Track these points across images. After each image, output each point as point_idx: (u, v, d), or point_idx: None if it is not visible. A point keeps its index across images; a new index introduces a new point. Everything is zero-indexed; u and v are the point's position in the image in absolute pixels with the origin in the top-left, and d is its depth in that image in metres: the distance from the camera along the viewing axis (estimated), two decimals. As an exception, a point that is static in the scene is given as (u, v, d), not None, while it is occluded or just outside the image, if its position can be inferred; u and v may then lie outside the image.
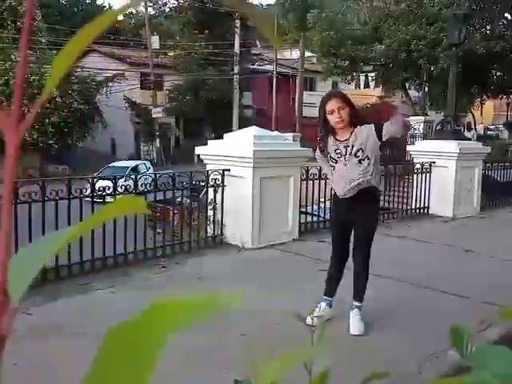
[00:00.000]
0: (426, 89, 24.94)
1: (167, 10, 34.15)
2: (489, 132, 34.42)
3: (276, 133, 7.72)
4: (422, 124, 20.60)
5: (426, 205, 8.48)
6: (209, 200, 6.19)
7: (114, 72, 25.67)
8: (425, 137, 18.09)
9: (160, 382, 0.61)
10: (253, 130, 6.23)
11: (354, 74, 24.86)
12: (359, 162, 3.54)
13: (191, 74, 27.65)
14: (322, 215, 7.24)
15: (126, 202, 0.37)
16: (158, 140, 27.24)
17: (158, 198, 5.86)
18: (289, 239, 6.27)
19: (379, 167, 3.73)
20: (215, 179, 6.06)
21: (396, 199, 8.75)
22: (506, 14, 21.26)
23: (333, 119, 3.54)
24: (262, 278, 4.85)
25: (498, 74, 22.18)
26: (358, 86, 34.36)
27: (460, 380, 0.51)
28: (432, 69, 19.45)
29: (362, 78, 33.37)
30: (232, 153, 6.01)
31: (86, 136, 24.70)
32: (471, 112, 27.55)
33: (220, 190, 6.11)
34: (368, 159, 3.54)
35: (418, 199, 8.45)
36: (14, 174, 0.35)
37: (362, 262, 3.71)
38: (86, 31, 0.35)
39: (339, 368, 2.90)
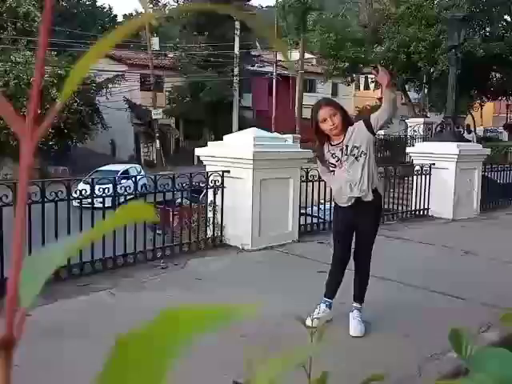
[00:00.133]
0: (426, 91, 25.00)
1: (167, 11, 34.18)
2: (488, 134, 34.42)
3: (276, 134, 7.72)
4: (422, 126, 20.62)
5: (426, 206, 8.48)
6: (209, 201, 6.19)
7: (114, 73, 25.70)
8: (425, 138, 18.11)
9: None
10: (252, 132, 6.23)
11: (354, 75, 24.89)
12: (356, 159, 3.55)
13: (191, 76, 27.68)
14: (322, 216, 7.24)
15: (135, 208, 0.37)
16: (157, 141, 27.23)
17: (157, 200, 5.86)
18: (288, 240, 6.27)
19: (375, 164, 3.73)
20: (215, 180, 6.06)
21: (396, 201, 8.75)
22: (506, 16, 21.27)
23: (326, 127, 3.56)
24: (261, 279, 4.85)
25: (498, 75, 22.19)
26: (357, 87, 34.41)
27: (459, 382, 0.51)
28: (432, 71, 19.46)
29: (362, 79, 33.42)
30: (232, 154, 6.01)
31: (86, 137, 24.71)
32: (471, 114, 27.57)
33: (220, 191, 6.11)
34: (364, 154, 3.55)
35: (418, 201, 8.45)
36: (29, 179, 0.36)
37: (363, 265, 3.71)
38: (102, 43, 0.36)
39: (339, 369, 2.91)
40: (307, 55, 30.64)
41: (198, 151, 6.62)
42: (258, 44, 32.87)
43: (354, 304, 3.73)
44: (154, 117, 26.92)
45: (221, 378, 2.75)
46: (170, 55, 30.43)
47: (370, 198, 3.60)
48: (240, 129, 16.16)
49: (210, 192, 6.15)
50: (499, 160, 13.72)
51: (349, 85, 26.70)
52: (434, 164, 8.40)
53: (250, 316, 0.34)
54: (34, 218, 4.29)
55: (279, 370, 0.38)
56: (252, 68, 31.20)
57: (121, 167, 18.79)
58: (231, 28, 27.71)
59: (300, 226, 6.67)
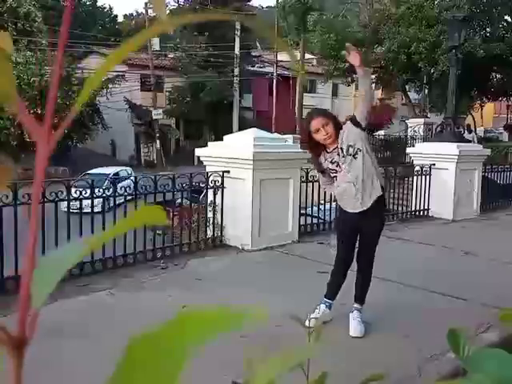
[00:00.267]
0: (426, 91, 25.00)
1: (167, 11, 34.20)
2: (488, 134, 34.44)
3: (276, 135, 7.72)
4: (422, 126, 20.63)
5: (426, 207, 8.48)
6: (209, 201, 6.19)
7: (115, 73, 25.70)
8: (425, 139, 18.11)
9: None
10: (253, 132, 6.24)
11: (355, 75, 24.87)
12: (354, 157, 3.56)
13: (191, 76, 27.68)
14: (322, 217, 7.24)
15: (146, 212, 0.38)
16: (158, 141, 27.24)
17: (157, 200, 5.86)
18: (288, 241, 6.27)
19: (375, 161, 3.73)
20: (215, 181, 6.06)
21: (396, 201, 8.75)
22: (506, 17, 21.27)
23: (320, 137, 3.58)
24: (261, 279, 4.85)
25: (498, 76, 22.20)
26: (358, 88, 34.38)
27: (458, 382, 0.51)
28: (432, 71, 19.46)
29: (362, 80, 33.36)
30: (232, 154, 6.01)
31: (86, 137, 24.71)
32: (471, 114, 27.58)
33: (220, 191, 6.11)
34: (360, 151, 3.56)
35: (418, 201, 8.45)
36: (43, 182, 0.37)
37: (366, 266, 3.71)
38: (118, 52, 0.37)
39: (339, 369, 2.90)
40: (307, 56, 30.66)
41: (198, 151, 6.62)
42: (258, 44, 32.90)
43: (355, 305, 3.73)
44: (154, 117, 26.93)
45: (220, 378, 2.75)
46: (171, 55, 30.45)
47: (377, 192, 3.60)
48: (240, 129, 16.18)
49: (210, 192, 6.15)
50: (499, 161, 13.72)
51: (349, 85, 26.68)
52: (434, 164, 8.40)
53: (262, 318, 0.34)
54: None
55: (278, 371, 0.38)
56: (252, 68, 31.22)
57: (111, 170, 18.22)
58: (231, 28, 27.74)
59: (300, 226, 6.66)
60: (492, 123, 40.68)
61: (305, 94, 30.25)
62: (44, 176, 0.37)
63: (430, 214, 8.46)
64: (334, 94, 35.11)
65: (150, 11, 29.74)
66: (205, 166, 6.43)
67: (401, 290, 4.58)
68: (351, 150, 3.55)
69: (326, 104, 33.15)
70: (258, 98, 31.70)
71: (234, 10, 28.77)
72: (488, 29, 20.94)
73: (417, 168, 8.44)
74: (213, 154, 6.32)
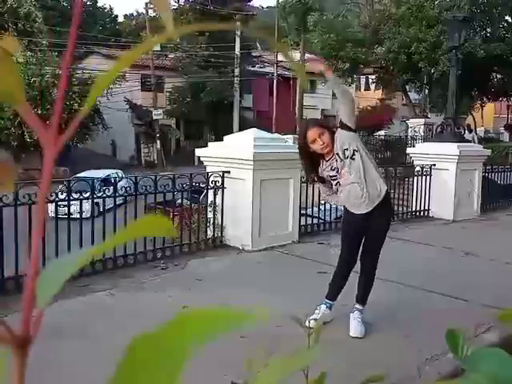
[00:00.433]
0: (427, 91, 24.99)
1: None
2: (489, 134, 34.43)
3: (276, 135, 7.73)
4: (423, 126, 20.63)
5: (426, 207, 8.48)
6: (209, 202, 6.19)
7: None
8: (425, 139, 18.11)
9: None
10: (253, 132, 6.24)
11: (355, 76, 24.91)
12: (352, 159, 3.58)
13: (192, 76, 27.69)
14: (322, 217, 7.24)
15: (153, 222, 0.38)
16: (158, 142, 27.25)
17: (157, 200, 5.86)
18: (289, 241, 6.26)
19: (373, 160, 3.75)
20: (215, 181, 6.06)
21: (396, 202, 8.75)
22: (507, 17, 21.28)
23: (317, 147, 3.60)
24: (261, 279, 4.85)
25: (499, 76, 22.20)
26: (358, 88, 34.41)
27: (454, 382, 0.51)
28: (432, 71, 19.46)
29: (363, 80, 33.43)
30: (232, 155, 6.01)
31: (87, 138, 24.71)
32: (472, 114, 27.57)
33: (220, 191, 6.11)
34: (357, 151, 3.58)
35: (418, 202, 8.45)
36: (50, 184, 0.37)
37: (370, 267, 3.71)
38: (125, 57, 0.37)
39: (339, 369, 2.90)
40: (308, 56, 30.64)
41: (198, 152, 6.62)
42: (258, 45, 32.89)
43: (356, 305, 3.72)
44: (154, 117, 26.94)
45: (220, 378, 2.75)
46: (171, 56, 30.45)
47: (382, 192, 3.61)
48: (241, 129, 16.19)
49: (211, 192, 6.15)
50: (500, 161, 13.72)
51: (349, 85, 26.68)
52: (434, 165, 8.40)
53: (263, 318, 0.34)
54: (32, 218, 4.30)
55: (279, 376, 0.38)
56: (253, 68, 31.22)
57: (101, 173, 17.52)
58: (234, 26, 27.71)
59: (300, 226, 6.66)
60: (492, 123, 40.66)
61: (305, 94, 30.25)
62: (51, 177, 0.37)
63: (431, 215, 8.46)
64: (335, 94, 35.06)
65: (150, 11, 29.76)
66: (205, 166, 6.43)
67: (401, 291, 4.58)
68: (347, 152, 3.57)
69: (327, 104, 33.15)
70: (259, 98, 31.70)
71: (235, 10, 28.79)
72: (488, 29, 20.95)
73: (417, 168, 8.44)
74: (213, 154, 6.32)
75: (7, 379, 0.35)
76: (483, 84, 21.23)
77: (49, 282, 0.36)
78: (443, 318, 3.68)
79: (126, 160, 28.18)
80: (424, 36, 18.88)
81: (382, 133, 24.13)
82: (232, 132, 15.03)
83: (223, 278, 4.92)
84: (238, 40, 27.67)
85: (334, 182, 3.70)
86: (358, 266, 3.80)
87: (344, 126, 3.59)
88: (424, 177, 8.38)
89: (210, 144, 6.69)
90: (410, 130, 21.60)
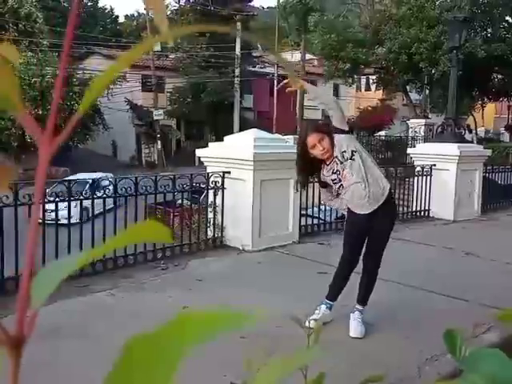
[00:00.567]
0: (427, 91, 24.99)
1: (168, 12, 34.21)
2: (489, 135, 34.42)
3: (276, 135, 7.73)
4: (423, 127, 20.63)
5: (427, 207, 8.47)
6: (209, 202, 6.19)
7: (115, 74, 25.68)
8: (426, 139, 18.11)
9: None
10: (253, 133, 6.23)
11: (355, 76, 24.91)
12: (351, 159, 3.58)
13: (192, 77, 27.69)
14: (323, 218, 7.25)
15: (150, 227, 0.37)
16: (159, 142, 27.26)
17: (158, 201, 5.87)
18: (289, 241, 6.26)
19: (370, 156, 3.76)
20: (215, 181, 6.06)
21: (397, 202, 8.74)
22: (507, 17, 21.28)
23: (317, 152, 3.60)
24: (262, 280, 4.85)
25: (499, 76, 22.20)
26: (359, 88, 34.40)
27: (451, 383, 0.51)
28: (433, 72, 19.47)
29: (363, 80, 33.41)
30: (232, 155, 6.01)
31: (87, 138, 24.73)
32: (472, 115, 27.57)
33: (220, 192, 6.11)
34: (356, 152, 3.59)
35: (419, 202, 8.44)
36: (44, 185, 0.37)
37: (372, 267, 3.70)
38: (124, 57, 0.37)
39: (339, 370, 2.90)
40: (308, 56, 30.65)
41: (198, 152, 6.62)
42: (259, 45, 32.87)
43: (357, 305, 3.72)
44: (155, 118, 26.94)
45: (220, 378, 2.75)
46: (172, 56, 30.46)
47: (385, 191, 3.61)
48: (241, 130, 16.18)
49: (211, 193, 6.15)
50: (500, 161, 13.72)
51: (350, 86, 26.69)
52: (434, 165, 8.40)
53: (262, 319, 0.34)
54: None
55: (279, 376, 0.38)
56: (253, 69, 31.21)
57: (91, 176, 17.71)
58: (232, 29, 27.71)
59: (301, 227, 6.66)
60: (493, 124, 40.65)
61: (305, 95, 30.23)
62: (45, 178, 0.37)
63: (431, 215, 8.45)
64: (335, 94, 35.06)
65: (150, 12, 29.77)
66: (205, 166, 6.43)
67: (401, 291, 4.58)
68: (346, 154, 3.58)
69: (327, 104, 33.08)
70: (259, 98, 31.70)
71: (235, 10, 28.79)
72: (489, 29, 20.96)
73: (417, 168, 8.43)
74: (213, 154, 6.32)
75: (5, 379, 0.35)
76: (484, 84, 21.24)
77: (44, 283, 0.36)
78: (443, 319, 3.67)
79: (126, 160, 28.20)
80: (425, 36, 18.88)
81: (382, 133, 24.15)
82: (232, 132, 15.04)
83: (223, 278, 4.92)
84: (238, 40, 27.66)
85: (337, 186, 3.70)
86: (359, 267, 3.79)
87: (337, 130, 3.60)
88: (424, 177, 8.38)
89: (210, 144, 6.69)
90: (410, 130, 21.61)
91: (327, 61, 22.91)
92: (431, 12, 19.36)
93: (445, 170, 8.34)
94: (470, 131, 19.52)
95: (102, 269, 5.07)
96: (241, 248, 5.95)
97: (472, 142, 13.98)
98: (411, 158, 9.35)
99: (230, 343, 3.21)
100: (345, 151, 3.58)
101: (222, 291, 4.34)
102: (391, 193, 3.80)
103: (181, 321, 0.34)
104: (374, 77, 26.97)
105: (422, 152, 8.87)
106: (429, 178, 8.40)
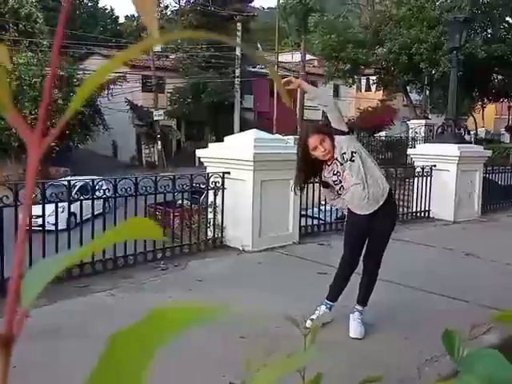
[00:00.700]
0: (427, 92, 25.00)
1: (169, 13, 34.25)
2: (490, 135, 34.42)
3: (277, 135, 7.73)
4: (423, 127, 20.64)
5: (427, 208, 8.47)
6: (209, 203, 6.19)
7: (116, 74, 25.73)
8: (426, 140, 18.11)
9: (157, 383, 0.61)
10: (253, 133, 6.23)
11: (356, 77, 24.91)
12: (351, 161, 3.58)
13: (193, 77, 27.70)
14: (323, 218, 7.25)
15: (139, 224, 0.38)
16: (159, 142, 27.26)
17: (158, 201, 5.86)
18: (289, 242, 6.26)
19: (371, 157, 3.76)
20: (215, 182, 6.06)
21: (397, 202, 8.74)
22: (507, 18, 21.29)
23: (319, 153, 3.59)
24: (262, 280, 4.85)
25: (500, 77, 22.21)
26: (359, 89, 34.41)
27: (448, 383, 0.51)
28: (433, 72, 19.48)
29: (364, 81, 33.43)
30: (232, 156, 6.01)
31: (88, 138, 24.73)
32: (472, 116, 27.57)
33: (220, 192, 6.11)
34: (355, 153, 3.58)
35: (419, 203, 8.44)
36: (34, 185, 0.37)
37: (373, 268, 3.70)
38: (117, 57, 0.37)
39: (338, 370, 2.90)
40: (309, 56, 30.65)
41: (199, 152, 6.62)
42: (259, 45, 32.89)
43: (357, 306, 3.72)
44: (155, 118, 26.95)
45: (219, 378, 2.75)
46: (172, 56, 30.47)
47: (385, 192, 3.61)
48: (241, 130, 16.20)
49: (211, 193, 6.15)
50: (500, 162, 13.72)
51: (350, 86, 26.69)
52: (435, 166, 8.40)
53: (237, 312, 0.34)
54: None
55: (277, 376, 0.38)
56: (253, 69, 31.21)
57: (77, 180, 17.33)
58: (233, 29, 27.74)
59: (301, 227, 6.66)
60: (493, 124, 40.65)
61: (306, 95, 30.23)
62: (35, 178, 0.37)
63: (431, 216, 8.45)
64: (335, 95, 35.08)
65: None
66: (205, 167, 6.44)
67: (401, 291, 4.57)
68: (346, 156, 3.58)
69: (327, 105, 33.09)
70: (259, 98, 31.69)
71: (235, 11, 28.79)
72: (489, 30, 20.98)
73: (418, 169, 8.43)
74: (213, 155, 6.32)
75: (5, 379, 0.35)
76: (484, 85, 21.25)
77: (33, 283, 0.36)
78: (443, 319, 3.67)
79: (126, 161, 28.21)
80: (425, 37, 18.89)
81: (382, 134, 24.15)
82: (233, 133, 15.04)
83: (223, 278, 4.92)
84: (238, 41, 27.66)
85: (338, 187, 3.70)
86: (359, 267, 3.79)
87: (337, 131, 3.60)
88: (425, 178, 8.38)
89: (210, 145, 6.69)
90: (410, 130, 21.61)
91: (327, 61, 22.92)
92: (431, 12, 19.37)
93: (445, 171, 8.34)
94: (468, 132, 19.52)
95: (101, 269, 5.07)
96: (241, 248, 5.95)
97: (470, 142, 13.98)
98: (411, 158, 9.35)
99: (229, 343, 3.22)
100: (344, 153, 3.58)
101: (222, 291, 4.34)
102: (391, 193, 3.80)
103: (157, 315, 0.34)
104: (374, 77, 26.99)
105: (422, 152, 8.87)
106: (429, 178, 8.40)
